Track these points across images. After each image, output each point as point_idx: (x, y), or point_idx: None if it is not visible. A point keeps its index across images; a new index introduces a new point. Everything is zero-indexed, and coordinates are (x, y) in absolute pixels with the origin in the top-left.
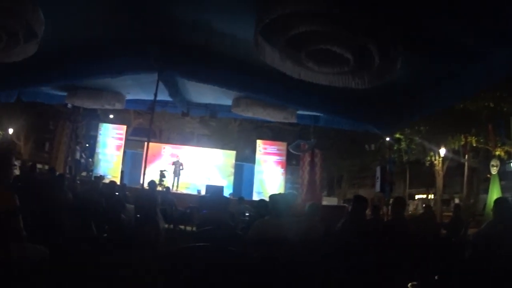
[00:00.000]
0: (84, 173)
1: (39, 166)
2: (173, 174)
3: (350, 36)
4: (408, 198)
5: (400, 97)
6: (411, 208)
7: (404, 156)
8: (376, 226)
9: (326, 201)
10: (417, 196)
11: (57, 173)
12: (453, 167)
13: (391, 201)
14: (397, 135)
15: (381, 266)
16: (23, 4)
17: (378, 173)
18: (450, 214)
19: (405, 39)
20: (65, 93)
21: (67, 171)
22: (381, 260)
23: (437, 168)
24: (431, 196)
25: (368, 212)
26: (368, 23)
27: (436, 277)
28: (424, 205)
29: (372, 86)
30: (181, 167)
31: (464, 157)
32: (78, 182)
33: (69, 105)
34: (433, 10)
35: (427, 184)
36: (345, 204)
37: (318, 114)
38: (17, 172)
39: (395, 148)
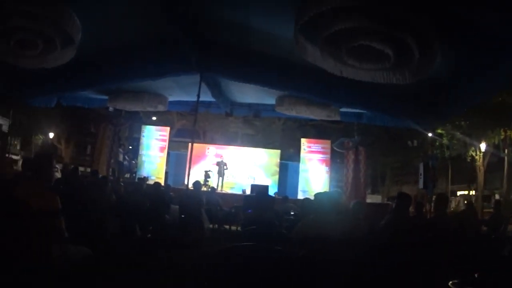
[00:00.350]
0: (127, 175)
1: (81, 169)
2: (217, 174)
3: (388, 31)
4: (450, 194)
5: (440, 91)
6: (453, 205)
7: (446, 152)
8: (419, 223)
9: (370, 199)
10: (458, 193)
11: (100, 175)
12: (493, 162)
13: (433, 198)
14: (439, 130)
15: (423, 263)
16: (59, 11)
17: (421, 170)
18: (491, 210)
19: (443, 33)
20: (106, 97)
21: (110, 174)
22: (423, 258)
23: (478, 163)
24: (472, 192)
25: (411, 209)
26: (406, 16)
27: (476, 275)
28: (465, 202)
29: (412, 81)
30: (225, 167)
31: (504, 151)
32: (122, 184)
33: (111, 108)
34: (471, 1)
35: (468, 180)
36: (388, 202)
37: (361, 111)
38: (58, 175)
39: (437, 143)
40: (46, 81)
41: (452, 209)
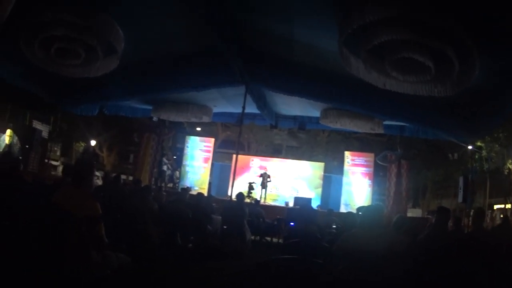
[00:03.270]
0: (170, 185)
1: (123, 177)
2: (260, 186)
3: (430, 42)
4: (488, 208)
5: (481, 103)
6: (489, 218)
7: (485, 165)
8: (458, 238)
9: (411, 213)
10: (495, 206)
11: (142, 184)
12: None
13: (471, 212)
14: (479, 143)
15: (461, 278)
16: (101, 20)
17: (460, 183)
18: None
19: (482, 43)
20: (149, 107)
21: (153, 183)
22: (461, 273)
23: None
24: (508, 206)
25: (450, 223)
26: (447, 27)
27: None
28: (501, 216)
29: (453, 93)
30: (268, 179)
31: None
32: (164, 193)
33: (155, 118)
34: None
35: (505, 193)
36: (428, 216)
37: (403, 124)
38: (99, 182)
39: (476, 156)
40: (89, 90)
41: (488, 222)
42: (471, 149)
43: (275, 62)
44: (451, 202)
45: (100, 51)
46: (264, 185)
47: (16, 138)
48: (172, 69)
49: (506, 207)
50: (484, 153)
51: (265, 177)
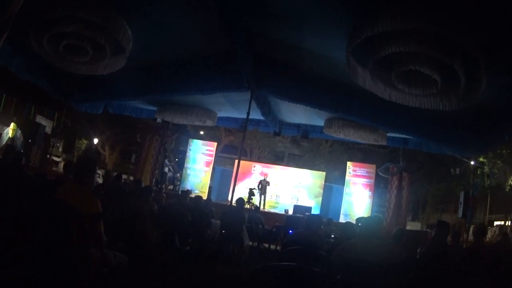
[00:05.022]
0: (170, 187)
1: (124, 176)
2: (259, 193)
3: (436, 56)
4: (488, 224)
5: (486, 119)
6: (488, 235)
7: (487, 181)
8: (456, 253)
9: (410, 226)
10: (495, 223)
11: (143, 184)
12: None
13: (471, 227)
14: (481, 159)
15: None
16: (111, 19)
17: (461, 198)
18: None
19: (490, 58)
20: (154, 108)
21: (153, 183)
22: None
23: None
24: (508, 223)
25: (449, 238)
26: (455, 42)
27: None
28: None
29: (458, 107)
30: (267, 184)
31: None
32: (164, 195)
33: (159, 120)
34: None
35: (506, 210)
36: (427, 230)
37: (407, 136)
38: (100, 180)
39: (478, 172)
40: (96, 88)
41: (488, 239)
42: (473, 165)
43: (284, 69)
44: (451, 216)
45: (108, 50)
46: (263, 191)
47: (19, 132)
48: (180, 72)
49: (506, 224)
50: (486, 169)
51: (263, 184)
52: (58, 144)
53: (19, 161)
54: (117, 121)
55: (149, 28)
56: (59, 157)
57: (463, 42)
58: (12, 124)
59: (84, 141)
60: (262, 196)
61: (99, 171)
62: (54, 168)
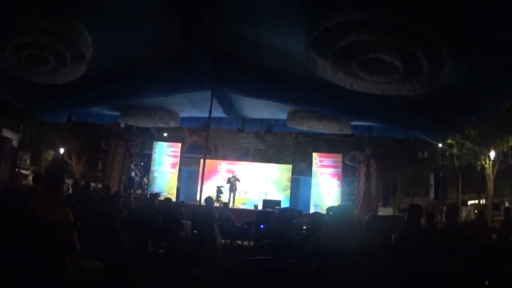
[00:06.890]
0: (139, 191)
1: (92, 184)
2: (228, 190)
3: (397, 43)
4: (461, 204)
5: (451, 102)
6: (463, 214)
7: (456, 162)
8: (431, 234)
9: (382, 212)
10: (469, 202)
11: (112, 191)
12: (502, 170)
13: (444, 208)
14: (449, 141)
15: (435, 273)
16: (70, 26)
17: (432, 181)
18: (501, 218)
19: (452, 44)
20: (117, 113)
21: (122, 189)
22: (435, 268)
23: (487, 172)
24: (482, 201)
25: (422, 220)
26: (415, 28)
27: (486, 283)
28: (476, 211)
29: (422, 92)
30: (236, 181)
31: None
32: (133, 199)
33: (122, 124)
34: (480, 10)
35: (479, 189)
36: (400, 214)
37: (372, 124)
38: (69, 190)
39: (447, 154)
40: (58, 97)
41: (463, 218)
42: (441, 147)
43: (243, 66)
44: (423, 199)
45: (68, 57)
46: (232, 189)
47: None
48: (140, 74)
49: (481, 202)
50: (455, 150)
51: (232, 180)
52: (25, 157)
53: None
54: (82, 129)
55: (107, 32)
56: (27, 169)
57: (423, 29)
58: None
59: (51, 152)
60: (232, 194)
61: (67, 181)
62: (23, 182)
